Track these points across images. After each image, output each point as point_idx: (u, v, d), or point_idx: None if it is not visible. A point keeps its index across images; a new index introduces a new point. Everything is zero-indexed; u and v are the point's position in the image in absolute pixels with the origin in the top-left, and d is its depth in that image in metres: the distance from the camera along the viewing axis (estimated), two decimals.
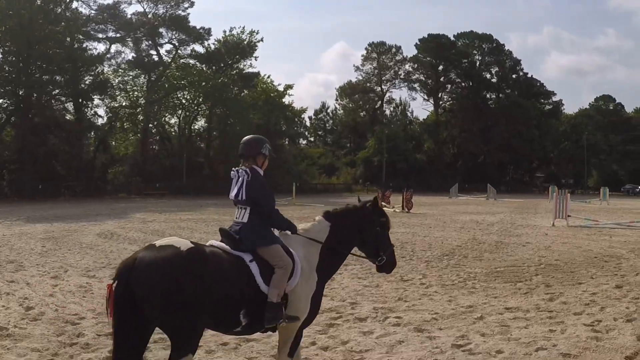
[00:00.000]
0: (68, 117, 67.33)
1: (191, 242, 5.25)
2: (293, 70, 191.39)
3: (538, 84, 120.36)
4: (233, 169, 5.97)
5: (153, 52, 79.60)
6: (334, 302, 10.06)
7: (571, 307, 9.82)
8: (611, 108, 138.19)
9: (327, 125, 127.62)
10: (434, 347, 7.61)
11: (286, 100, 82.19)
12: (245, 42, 78.51)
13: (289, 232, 5.91)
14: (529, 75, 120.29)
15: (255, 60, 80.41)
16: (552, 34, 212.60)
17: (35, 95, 59.45)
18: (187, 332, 5.01)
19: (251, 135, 6.14)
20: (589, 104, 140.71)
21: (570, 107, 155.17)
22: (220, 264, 5.28)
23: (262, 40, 79.09)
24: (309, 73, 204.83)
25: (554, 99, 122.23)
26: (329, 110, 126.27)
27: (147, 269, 4.87)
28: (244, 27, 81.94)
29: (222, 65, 79.85)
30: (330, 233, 6.01)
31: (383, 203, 38.68)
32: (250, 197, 5.72)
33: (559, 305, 9.98)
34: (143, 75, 75.24)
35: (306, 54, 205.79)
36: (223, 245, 5.63)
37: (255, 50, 79.45)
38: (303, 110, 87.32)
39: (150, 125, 75.23)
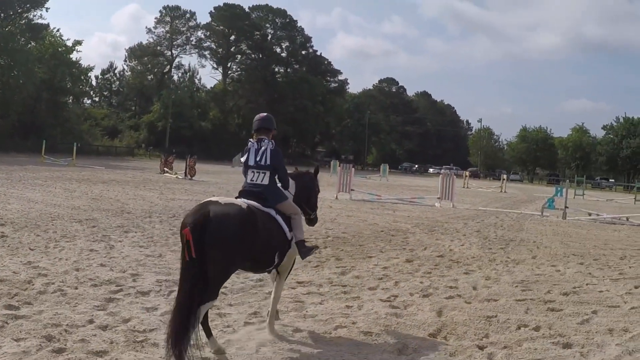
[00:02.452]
0: None
1: (244, 200, 6.31)
2: (83, 27, 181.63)
3: (326, 62, 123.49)
4: (250, 140, 6.96)
5: None
6: (113, 273, 8.89)
7: (365, 281, 9.54)
8: (394, 90, 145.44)
9: (113, 86, 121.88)
10: (225, 325, 6.84)
11: (74, 56, 76.85)
12: None
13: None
14: (318, 53, 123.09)
15: (47, 11, 73.94)
16: (341, 15, 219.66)
17: None
18: (227, 276, 6.19)
19: (265, 113, 7.22)
20: (373, 85, 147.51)
21: (355, 87, 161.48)
22: (263, 218, 6.30)
23: None
24: (98, 32, 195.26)
25: (340, 77, 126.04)
26: (116, 71, 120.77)
27: (222, 220, 5.74)
28: None
29: (10, 13, 73.04)
30: (296, 189, 7.25)
31: (165, 168, 38.17)
32: (273, 164, 6.72)
33: (352, 279, 9.66)
34: None
35: (97, 12, 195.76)
36: (255, 203, 6.42)
37: (47, 0, 73.46)
38: (90, 69, 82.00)
39: None
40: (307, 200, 7.51)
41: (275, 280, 7.03)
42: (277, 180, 6.88)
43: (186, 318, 5.46)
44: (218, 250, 5.66)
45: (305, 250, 6.86)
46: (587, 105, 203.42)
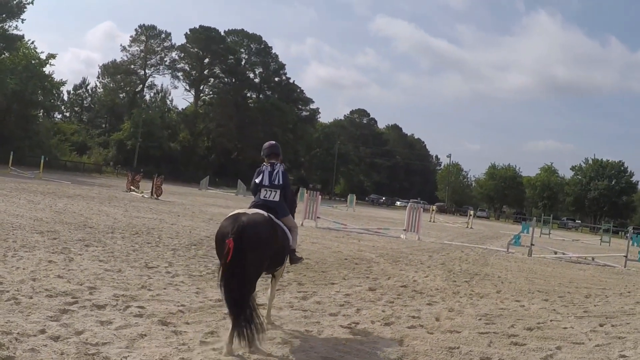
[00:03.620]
0: None
1: (264, 211, 7.33)
2: (57, 42, 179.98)
3: (298, 90, 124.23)
4: (263, 164, 8.19)
5: None
6: (70, 285, 8.64)
7: (326, 307, 9.32)
8: (365, 122, 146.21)
9: (85, 102, 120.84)
10: (181, 343, 6.57)
11: (47, 70, 75.97)
12: (15, 2, 71.28)
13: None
14: (291, 81, 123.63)
15: (22, 22, 72.97)
16: (315, 46, 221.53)
17: None
18: (261, 272, 7.21)
19: (273, 141, 8.67)
20: (344, 115, 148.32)
21: (326, 117, 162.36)
22: (279, 226, 7.51)
23: (32, 2, 72.19)
24: (73, 48, 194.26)
25: (312, 106, 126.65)
26: (89, 88, 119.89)
27: (257, 228, 6.84)
28: None
29: None
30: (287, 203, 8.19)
31: (132, 187, 37.76)
32: (284, 184, 7.96)
33: (313, 304, 9.43)
34: None
35: (72, 28, 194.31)
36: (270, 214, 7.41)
37: (24, 11, 72.34)
38: (62, 83, 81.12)
39: None
40: (291, 210, 8.45)
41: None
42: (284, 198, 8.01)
43: (237, 301, 6.60)
44: (255, 252, 6.73)
45: (295, 258, 8.07)
46: (554, 146, 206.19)
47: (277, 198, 7.82)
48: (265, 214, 7.23)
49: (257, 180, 8.01)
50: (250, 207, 7.65)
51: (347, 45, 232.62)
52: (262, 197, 7.83)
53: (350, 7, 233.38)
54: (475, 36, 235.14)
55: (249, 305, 6.62)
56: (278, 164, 8.11)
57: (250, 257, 6.66)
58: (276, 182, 7.90)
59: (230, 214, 7.28)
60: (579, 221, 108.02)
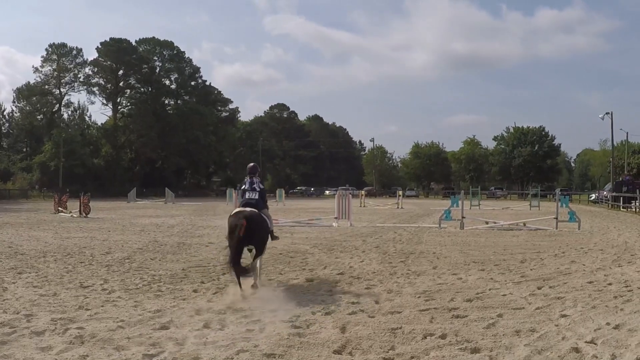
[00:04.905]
0: None
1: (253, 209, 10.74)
2: None
3: (216, 92, 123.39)
4: (246, 177, 11.50)
5: None
6: (6, 315, 8.29)
7: (265, 304, 9.17)
8: (285, 116, 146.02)
9: (2, 128, 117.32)
10: (124, 358, 6.36)
11: None
12: None
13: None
14: (208, 83, 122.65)
15: None
16: (216, 48, 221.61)
17: None
18: (265, 245, 11.08)
19: (253, 163, 12.11)
20: (264, 112, 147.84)
21: (246, 115, 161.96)
22: (265, 216, 11.09)
23: None
24: None
25: (231, 106, 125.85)
26: (5, 113, 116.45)
27: (258, 218, 10.56)
28: None
29: None
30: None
31: (59, 208, 36.78)
32: (261, 189, 11.40)
33: (252, 302, 9.27)
34: None
35: None
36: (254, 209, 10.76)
37: None
38: None
39: None
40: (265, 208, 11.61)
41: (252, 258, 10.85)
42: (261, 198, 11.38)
43: (238, 266, 10.01)
44: (259, 232, 10.50)
45: (274, 237, 11.67)
46: (470, 119, 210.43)
47: (256, 197, 11.21)
48: (256, 210, 10.67)
49: (243, 187, 11.51)
50: (240, 206, 11.09)
51: (248, 43, 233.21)
52: (246, 197, 11.25)
53: (240, 7, 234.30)
54: (369, 21, 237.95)
55: (254, 265, 10.69)
56: (256, 178, 11.53)
57: (257, 233, 10.37)
58: (256, 187, 11.34)
59: (233, 212, 10.73)
60: (507, 190, 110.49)
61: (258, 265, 10.93)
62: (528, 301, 9.21)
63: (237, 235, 9.92)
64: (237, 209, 10.76)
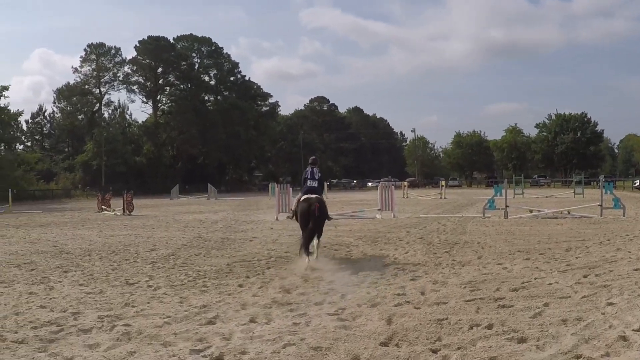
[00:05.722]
0: None
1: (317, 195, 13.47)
2: (2, 73, 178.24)
3: (255, 87, 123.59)
4: (308, 166, 14.03)
5: None
6: (53, 314, 8.42)
7: (311, 297, 9.22)
8: (325, 109, 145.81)
9: (44, 129, 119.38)
10: (171, 355, 6.42)
11: (1, 102, 74.65)
12: None
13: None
14: (247, 78, 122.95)
15: None
16: (253, 43, 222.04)
17: None
18: (324, 222, 13.47)
19: (314, 156, 14.88)
20: (304, 105, 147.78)
21: (286, 109, 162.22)
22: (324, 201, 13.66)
23: None
24: (16, 77, 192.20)
25: (271, 100, 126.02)
26: (46, 114, 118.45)
27: (323, 203, 13.14)
28: None
29: None
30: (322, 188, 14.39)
31: (103, 206, 37.37)
32: (320, 177, 13.88)
33: (297, 296, 9.33)
34: None
35: (10, 58, 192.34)
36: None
37: None
38: (19, 114, 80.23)
39: None
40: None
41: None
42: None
43: (309, 241, 12.78)
44: (324, 214, 13.10)
45: (331, 219, 14.43)
46: (511, 107, 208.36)
47: (316, 184, 13.66)
48: (320, 196, 13.43)
49: (305, 176, 13.96)
50: (303, 192, 13.53)
51: (286, 38, 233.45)
52: (308, 184, 13.66)
53: (275, 2, 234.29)
54: (405, 11, 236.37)
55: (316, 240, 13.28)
56: (316, 167, 14.00)
57: (322, 215, 13.02)
58: (316, 177, 13.80)
59: (302, 199, 13.29)
60: (550, 177, 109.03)
61: (316, 243, 13.34)
62: (574, 290, 9.14)
63: (313, 215, 12.73)
64: (305, 196, 13.33)
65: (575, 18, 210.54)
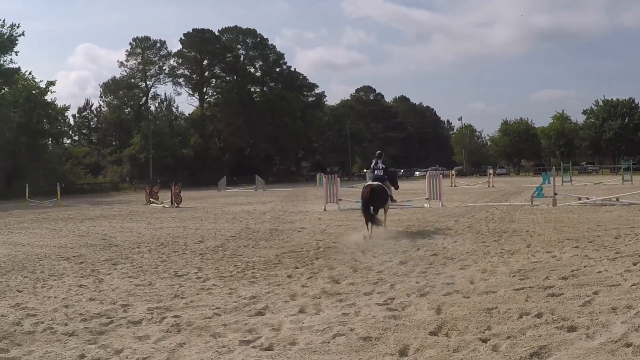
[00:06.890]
0: None
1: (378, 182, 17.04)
2: (45, 68, 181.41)
3: (301, 77, 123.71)
4: (374, 159, 17.70)
5: None
6: (103, 306, 8.63)
7: (360, 287, 9.29)
8: (372, 98, 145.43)
9: (91, 123, 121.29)
10: (220, 345, 6.55)
11: (48, 98, 75.76)
12: (5, 36, 70.84)
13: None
14: (293, 69, 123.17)
15: (16, 55, 72.55)
16: (297, 33, 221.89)
17: None
18: (385, 204, 17.41)
19: (379, 151, 18.70)
20: (351, 95, 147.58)
21: (332, 100, 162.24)
22: (386, 186, 17.20)
23: (23, 34, 71.48)
24: (62, 71, 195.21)
25: (317, 91, 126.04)
26: (93, 108, 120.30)
27: (378, 188, 16.65)
28: (4, 20, 73.37)
29: None
30: (389, 177, 17.95)
31: (151, 199, 37.86)
32: (385, 168, 17.62)
33: (346, 286, 9.42)
34: None
35: (56, 53, 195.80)
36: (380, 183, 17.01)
37: (16, 44, 71.53)
38: (66, 108, 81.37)
39: None
40: (393, 181, 18.19)
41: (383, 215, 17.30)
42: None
43: (370, 215, 15.99)
44: (379, 198, 16.60)
45: (393, 200, 18.01)
46: (557, 94, 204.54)
47: (381, 173, 17.25)
48: (379, 183, 16.75)
49: (372, 167, 17.70)
50: (370, 180, 17.87)
51: (330, 27, 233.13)
52: (375, 174, 17.33)
53: None
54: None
55: (376, 216, 16.20)
56: (380, 159, 17.48)
57: (377, 198, 16.39)
58: (380, 167, 17.39)
59: (365, 185, 17.46)
60: (598, 164, 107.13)
61: (384, 218, 17.23)
62: (624, 277, 9.07)
63: (365, 198, 16.26)
64: (367, 183, 17.59)
65: (620, 1, 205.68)
